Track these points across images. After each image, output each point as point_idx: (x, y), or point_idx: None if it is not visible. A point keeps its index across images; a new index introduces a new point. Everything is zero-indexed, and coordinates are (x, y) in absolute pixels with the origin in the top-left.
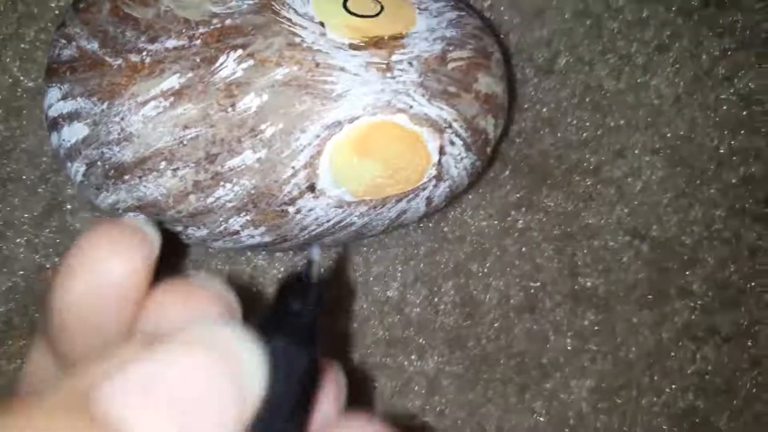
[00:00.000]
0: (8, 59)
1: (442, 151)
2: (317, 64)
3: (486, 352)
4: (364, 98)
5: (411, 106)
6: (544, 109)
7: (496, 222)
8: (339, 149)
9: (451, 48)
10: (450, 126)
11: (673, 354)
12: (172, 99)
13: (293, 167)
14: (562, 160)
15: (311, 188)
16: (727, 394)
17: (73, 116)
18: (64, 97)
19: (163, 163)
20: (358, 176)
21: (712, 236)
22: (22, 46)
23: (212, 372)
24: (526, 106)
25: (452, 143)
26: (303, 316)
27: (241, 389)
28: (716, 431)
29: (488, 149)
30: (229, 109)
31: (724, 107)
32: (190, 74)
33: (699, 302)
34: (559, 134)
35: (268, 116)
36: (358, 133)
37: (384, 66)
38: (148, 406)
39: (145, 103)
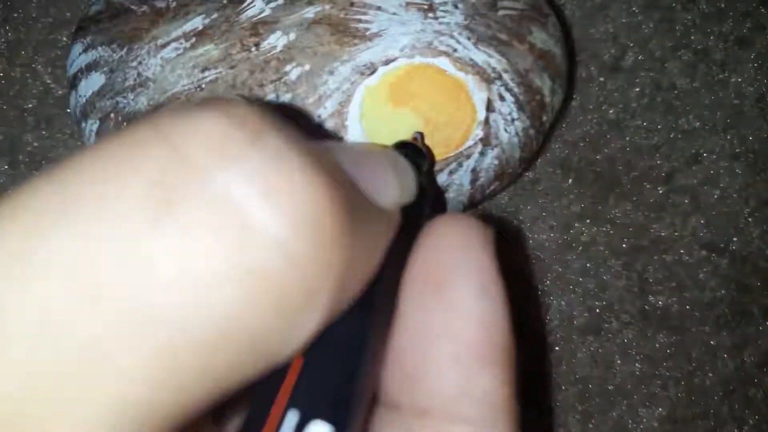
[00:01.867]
0: (40, 66)
1: (489, 107)
2: (352, 3)
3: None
4: (402, 39)
5: (455, 50)
6: (611, 111)
7: (557, 235)
8: (371, 95)
9: None
10: (500, 77)
11: (756, 380)
12: (193, 40)
13: (319, 115)
14: (631, 167)
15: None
16: None
17: (91, 67)
18: (85, 50)
19: None
20: (392, 130)
21: None
22: (55, 52)
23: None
24: (591, 107)
25: (502, 98)
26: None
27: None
28: None
29: (544, 117)
30: (253, 49)
31: None
32: (215, 15)
33: None
34: (627, 138)
35: (295, 56)
36: (393, 78)
37: (426, 6)
38: None
39: (165, 45)
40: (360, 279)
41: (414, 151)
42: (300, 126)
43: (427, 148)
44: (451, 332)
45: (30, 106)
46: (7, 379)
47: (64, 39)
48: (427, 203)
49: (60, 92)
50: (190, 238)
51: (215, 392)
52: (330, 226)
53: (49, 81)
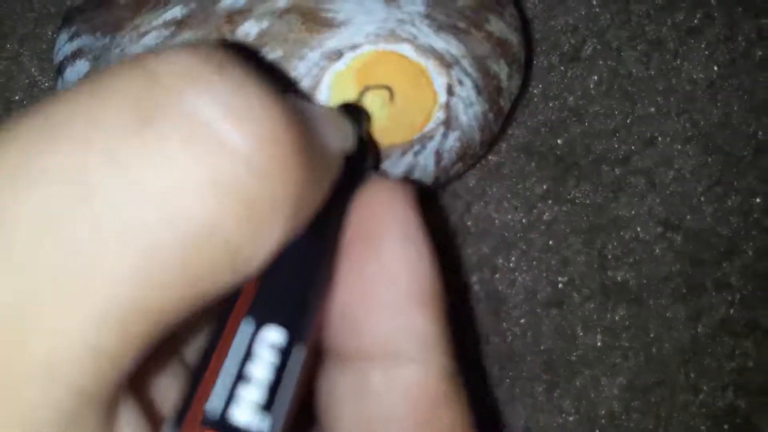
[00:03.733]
0: (26, 59)
1: (450, 91)
2: None
3: (512, 349)
4: (366, 26)
5: (416, 37)
6: (571, 98)
7: (521, 214)
8: (338, 80)
9: None
10: (458, 62)
11: (710, 350)
12: (173, 28)
13: None
14: (590, 150)
15: None
16: None
17: (76, 54)
18: (71, 38)
19: None
20: None
21: (750, 226)
22: (41, 46)
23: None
24: (551, 94)
25: (461, 83)
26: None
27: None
28: None
29: (501, 101)
30: (228, 37)
31: (762, 91)
32: (193, 5)
33: (737, 295)
34: (586, 123)
35: (267, 43)
36: (359, 63)
37: None
38: None
39: (146, 33)
40: (312, 203)
41: (354, 110)
42: (269, 73)
43: (365, 109)
44: (385, 281)
45: (17, 98)
46: (11, 278)
47: (50, 33)
48: (366, 153)
49: (47, 84)
50: (167, 150)
51: (193, 296)
52: (288, 145)
53: (35, 73)
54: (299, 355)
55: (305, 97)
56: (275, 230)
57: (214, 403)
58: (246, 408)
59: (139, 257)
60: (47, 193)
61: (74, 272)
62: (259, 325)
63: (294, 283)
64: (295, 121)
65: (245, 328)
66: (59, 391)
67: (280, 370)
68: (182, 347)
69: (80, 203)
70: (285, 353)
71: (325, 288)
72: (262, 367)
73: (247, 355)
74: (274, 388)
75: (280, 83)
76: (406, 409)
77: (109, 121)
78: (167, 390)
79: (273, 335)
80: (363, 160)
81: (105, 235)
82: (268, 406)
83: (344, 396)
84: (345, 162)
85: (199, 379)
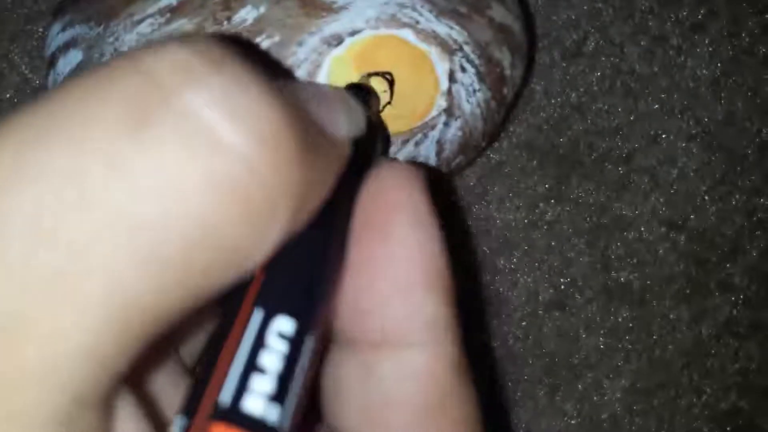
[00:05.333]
0: (16, 57)
1: (452, 78)
2: None
3: (513, 351)
4: (367, 11)
5: (418, 21)
6: (573, 95)
7: (523, 214)
8: (338, 65)
9: None
10: (461, 48)
11: (713, 351)
12: (168, 15)
13: None
14: (593, 149)
15: None
16: None
17: (69, 44)
18: (63, 29)
19: None
20: None
21: (754, 226)
22: (31, 43)
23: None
24: (554, 91)
25: (463, 69)
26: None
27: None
28: None
29: (504, 90)
30: (225, 23)
31: (766, 88)
32: None
33: (741, 296)
34: (589, 121)
35: (265, 29)
36: (359, 49)
37: None
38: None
39: (140, 21)
40: (315, 197)
41: (363, 91)
42: (268, 65)
43: (374, 89)
44: (395, 265)
45: (8, 95)
46: (5, 281)
47: (40, 30)
48: (376, 135)
49: (38, 82)
50: (163, 150)
51: (191, 294)
52: (288, 144)
53: (26, 71)
54: (309, 344)
55: (310, 83)
56: (274, 228)
57: (226, 394)
58: (258, 398)
59: (135, 256)
60: (41, 193)
61: (70, 273)
62: (269, 316)
63: (303, 272)
64: (296, 117)
65: (255, 318)
66: (56, 395)
67: (291, 361)
68: (181, 341)
69: (76, 203)
70: (295, 343)
71: (334, 276)
72: (273, 358)
73: (258, 346)
74: (285, 379)
75: (281, 73)
76: (414, 395)
77: (105, 120)
78: (166, 384)
79: (283, 325)
80: (372, 142)
81: (101, 234)
82: (279, 396)
83: (351, 383)
84: (354, 145)
85: (209, 369)
